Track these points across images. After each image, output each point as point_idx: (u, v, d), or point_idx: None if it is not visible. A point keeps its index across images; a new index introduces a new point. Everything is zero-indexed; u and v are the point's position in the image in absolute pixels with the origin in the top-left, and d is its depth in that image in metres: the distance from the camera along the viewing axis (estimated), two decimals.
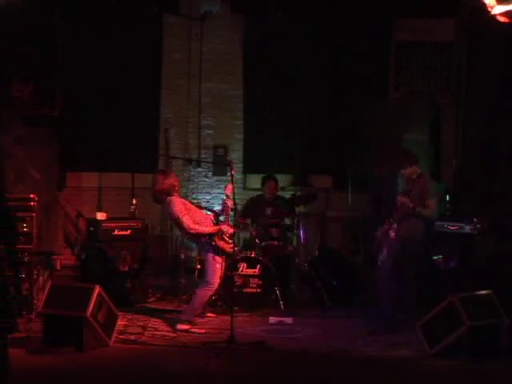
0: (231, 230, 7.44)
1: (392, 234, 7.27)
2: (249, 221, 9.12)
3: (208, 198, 11.03)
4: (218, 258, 7.42)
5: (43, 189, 9.46)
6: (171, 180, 7.50)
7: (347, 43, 10.72)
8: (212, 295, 7.61)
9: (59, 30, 10.13)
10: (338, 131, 10.78)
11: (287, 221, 9.17)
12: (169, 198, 7.44)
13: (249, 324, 7.69)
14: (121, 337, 6.93)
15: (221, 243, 7.40)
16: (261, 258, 8.39)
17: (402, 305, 7.31)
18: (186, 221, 7.35)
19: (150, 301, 8.74)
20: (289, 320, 7.82)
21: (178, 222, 7.43)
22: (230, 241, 7.43)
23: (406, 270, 7.28)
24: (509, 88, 9.35)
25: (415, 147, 9.84)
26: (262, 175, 9.58)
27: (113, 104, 10.46)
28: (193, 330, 7.31)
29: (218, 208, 8.28)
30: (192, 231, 7.38)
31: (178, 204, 7.41)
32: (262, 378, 6.00)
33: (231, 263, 8.06)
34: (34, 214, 7.61)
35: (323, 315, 8.18)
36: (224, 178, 10.64)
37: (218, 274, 7.43)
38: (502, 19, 6.72)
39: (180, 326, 7.33)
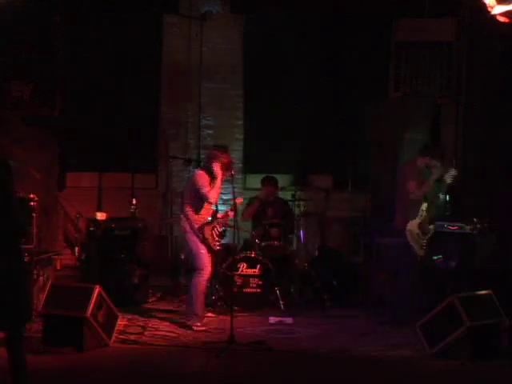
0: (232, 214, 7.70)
1: None
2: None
3: None
4: (202, 245, 7.43)
5: (43, 189, 9.46)
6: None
7: (347, 43, 10.71)
8: (208, 281, 7.65)
9: (59, 30, 10.13)
10: (338, 131, 10.77)
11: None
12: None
13: (249, 324, 7.69)
14: (121, 337, 6.94)
15: (208, 235, 7.46)
16: (261, 257, 8.39)
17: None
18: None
19: (150, 301, 8.74)
20: (289, 320, 7.82)
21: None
22: (217, 238, 7.61)
23: None
24: (509, 88, 9.35)
25: (415, 147, 9.85)
26: (262, 175, 9.57)
27: (113, 104, 10.45)
28: (194, 328, 7.31)
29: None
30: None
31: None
32: (262, 378, 6.01)
33: (231, 263, 8.08)
34: (33, 214, 7.60)
35: (323, 315, 8.19)
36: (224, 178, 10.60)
37: (207, 260, 7.43)
38: (501, 19, 6.71)
39: (195, 327, 7.31)
